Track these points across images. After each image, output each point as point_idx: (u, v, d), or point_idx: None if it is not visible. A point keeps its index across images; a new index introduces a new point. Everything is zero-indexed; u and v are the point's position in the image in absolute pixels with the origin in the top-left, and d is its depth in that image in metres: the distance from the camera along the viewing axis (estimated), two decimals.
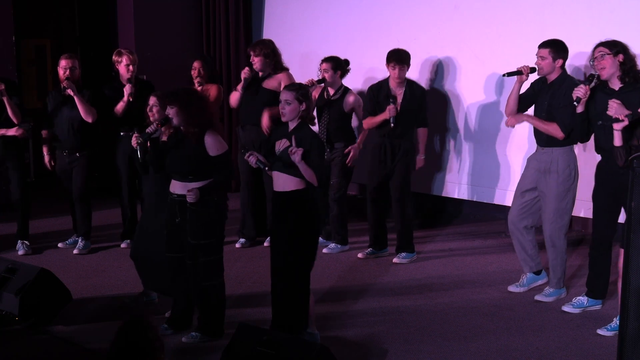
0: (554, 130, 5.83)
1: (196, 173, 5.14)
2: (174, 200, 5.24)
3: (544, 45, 5.89)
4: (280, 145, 5.08)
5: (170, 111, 5.14)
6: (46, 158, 7.40)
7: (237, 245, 7.52)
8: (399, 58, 6.81)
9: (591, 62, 5.52)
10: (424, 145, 7.08)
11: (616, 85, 5.45)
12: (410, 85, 6.93)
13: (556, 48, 5.86)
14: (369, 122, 6.94)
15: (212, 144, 5.13)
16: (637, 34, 5.78)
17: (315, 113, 7.24)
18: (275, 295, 5.18)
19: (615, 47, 5.39)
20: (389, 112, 6.73)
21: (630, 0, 6.59)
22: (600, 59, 5.41)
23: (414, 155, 7.03)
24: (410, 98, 6.86)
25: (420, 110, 6.97)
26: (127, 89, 7.14)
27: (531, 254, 6.16)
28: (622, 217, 5.64)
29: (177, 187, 5.22)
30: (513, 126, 6.24)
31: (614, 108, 5.15)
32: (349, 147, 7.15)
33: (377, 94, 6.92)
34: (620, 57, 5.39)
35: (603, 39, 5.51)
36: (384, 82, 6.96)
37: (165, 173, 5.36)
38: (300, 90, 5.08)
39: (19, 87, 7.48)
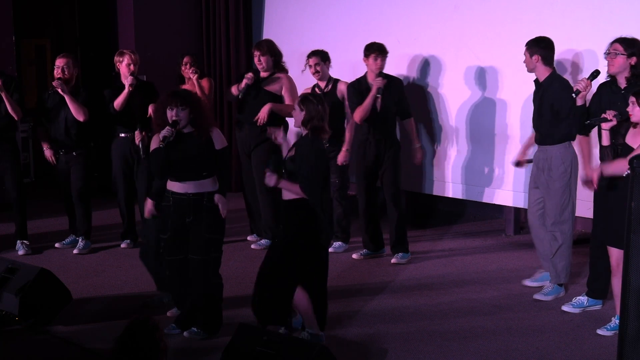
0: (581, 142, 5.82)
1: (209, 169, 5.25)
2: (188, 200, 5.24)
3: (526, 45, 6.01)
4: (288, 153, 5.13)
5: (182, 113, 5.16)
6: (47, 153, 7.33)
7: (255, 246, 7.50)
8: (380, 48, 6.89)
9: (605, 55, 5.53)
10: (416, 135, 7.15)
11: (622, 84, 5.48)
12: (388, 78, 6.95)
13: (529, 44, 5.97)
14: (359, 110, 6.87)
15: (219, 138, 5.31)
16: (637, 34, 5.77)
17: None
18: (255, 294, 5.16)
19: (631, 49, 5.40)
20: (375, 84, 6.76)
21: (630, 0, 6.58)
22: (614, 56, 5.43)
23: (400, 150, 7.03)
24: (390, 91, 6.88)
25: (400, 102, 7.02)
26: (128, 80, 7.14)
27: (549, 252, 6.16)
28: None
29: (190, 187, 5.24)
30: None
31: (612, 115, 5.17)
32: (339, 156, 7.10)
33: (359, 87, 6.96)
34: (633, 60, 5.40)
35: (604, 39, 5.54)
36: (362, 79, 7.01)
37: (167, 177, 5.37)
38: (302, 99, 5.17)
39: (19, 83, 7.44)
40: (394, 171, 6.99)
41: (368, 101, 6.83)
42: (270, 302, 5.07)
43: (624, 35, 5.54)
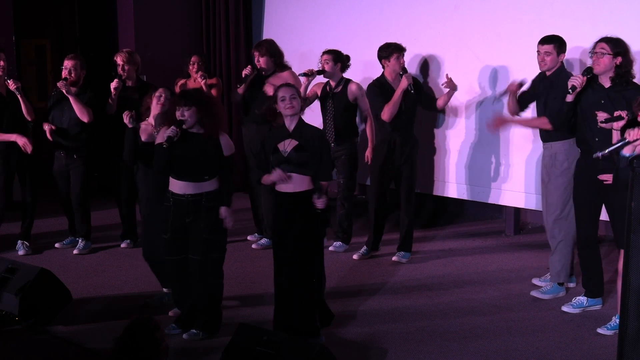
0: (542, 123, 5.90)
1: (211, 173, 5.24)
2: (187, 200, 5.24)
3: (548, 41, 5.95)
4: (286, 145, 5.10)
5: (187, 112, 5.16)
6: (46, 126, 7.15)
7: (255, 246, 7.52)
8: (400, 48, 6.87)
9: (590, 54, 5.52)
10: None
11: (606, 83, 5.46)
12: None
13: (559, 43, 5.96)
14: (389, 107, 6.79)
15: (228, 144, 5.30)
16: (637, 34, 5.77)
17: (319, 107, 7.31)
18: (283, 296, 5.18)
19: (617, 48, 5.38)
20: (407, 80, 6.75)
21: (630, 0, 6.58)
22: (600, 55, 5.42)
23: (417, 149, 7.05)
24: (414, 88, 6.87)
25: (425, 95, 7.07)
26: (113, 84, 7.14)
27: None
28: (604, 215, 5.65)
29: (189, 188, 5.24)
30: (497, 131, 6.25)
31: (604, 117, 5.16)
32: (366, 155, 7.12)
33: (381, 87, 6.92)
34: (619, 59, 5.39)
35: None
36: (382, 78, 6.97)
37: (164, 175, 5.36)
38: (295, 90, 5.23)
39: (27, 88, 7.45)
40: (412, 170, 6.98)
41: (397, 97, 6.77)
42: (307, 308, 5.12)
43: (624, 35, 5.53)
